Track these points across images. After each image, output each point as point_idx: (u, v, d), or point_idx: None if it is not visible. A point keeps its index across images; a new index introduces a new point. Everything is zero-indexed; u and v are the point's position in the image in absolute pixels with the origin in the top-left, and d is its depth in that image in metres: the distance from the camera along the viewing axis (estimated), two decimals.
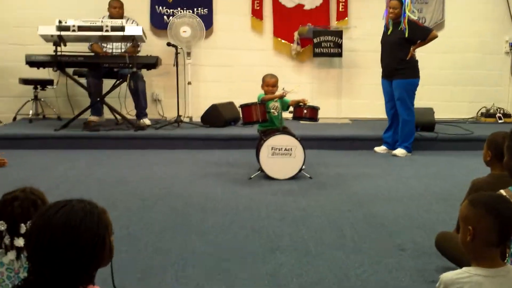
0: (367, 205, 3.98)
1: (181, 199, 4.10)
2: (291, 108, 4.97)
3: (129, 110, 6.97)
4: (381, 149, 6.12)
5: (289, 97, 4.92)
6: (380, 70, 6.09)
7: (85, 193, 4.16)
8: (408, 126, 5.89)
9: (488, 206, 1.80)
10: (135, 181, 4.63)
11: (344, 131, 6.75)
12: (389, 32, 5.90)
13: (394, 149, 5.98)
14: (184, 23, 7.15)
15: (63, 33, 6.00)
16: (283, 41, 7.81)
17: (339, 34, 7.49)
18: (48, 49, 6.30)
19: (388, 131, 6.10)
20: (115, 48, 6.87)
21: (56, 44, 6.05)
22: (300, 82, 7.59)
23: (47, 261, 1.40)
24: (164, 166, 5.28)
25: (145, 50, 6.89)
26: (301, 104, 4.87)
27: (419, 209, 3.92)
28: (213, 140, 6.25)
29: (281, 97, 4.82)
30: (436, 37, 5.82)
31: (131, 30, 6.19)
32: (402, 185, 4.63)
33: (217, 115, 6.79)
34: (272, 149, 4.67)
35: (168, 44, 6.91)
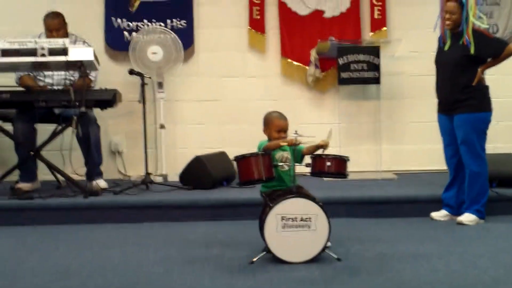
0: None
1: None
2: (307, 159, 4.98)
3: (76, 168, 7.02)
4: (441, 215, 6.13)
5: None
6: (435, 101, 6.15)
7: None
8: (479, 181, 5.90)
9: None
10: (83, 273, 4.59)
11: (386, 190, 6.80)
12: (446, 48, 5.99)
13: (460, 214, 5.98)
14: (153, 42, 7.29)
15: None
16: (295, 63, 7.95)
17: (375, 51, 7.60)
18: None
19: (450, 189, 6.12)
20: (57, 82, 6.96)
21: None
22: (321, 121, 7.67)
23: None
24: (127, 248, 5.26)
25: (98, 81, 7.00)
26: (321, 154, 4.85)
27: None
28: (197, 209, 6.29)
29: (292, 144, 4.83)
30: None
31: (77, 53, 6.27)
32: (472, 268, 4.58)
33: (202, 172, 6.86)
34: (282, 219, 4.66)
35: (131, 72, 7.03)
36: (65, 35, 6.88)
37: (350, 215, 6.15)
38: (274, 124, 4.95)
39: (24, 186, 6.73)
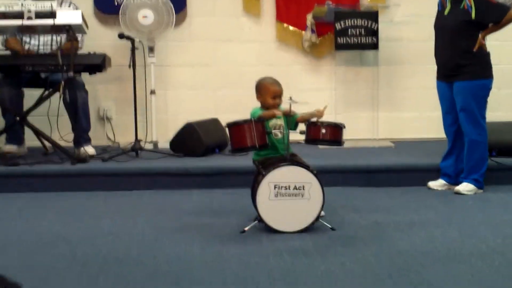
0: (418, 269, 3.96)
1: (141, 266, 4.08)
2: (301, 127, 4.99)
3: (63, 134, 7.01)
4: (438, 184, 6.16)
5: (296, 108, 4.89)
6: (435, 67, 6.15)
7: None
8: (478, 149, 5.93)
9: None
10: (72, 240, 4.62)
11: (383, 158, 6.83)
12: (446, 12, 5.97)
13: (458, 183, 6.01)
14: (144, 5, 7.25)
15: None
16: (290, 27, 7.92)
17: (373, 16, 7.58)
18: None
19: (449, 158, 6.15)
20: (44, 43, 6.94)
21: None
22: (317, 87, 7.67)
23: None
24: (116, 216, 5.29)
25: (87, 45, 6.96)
26: (316, 120, 4.86)
27: (495, 273, 3.90)
28: (188, 176, 6.31)
29: (286, 115, 4.84)
30: None
31: (65, 16, 6.25)
32: (469, 237, 4.62)
33: (194, 139, 6.86)
34: (275, 187, 4.67)
35: (121, 36, 7.00)
36: None
37: (345, 183, 6.19)
38: (270, 90, 4.93)
39: (11, 148, 6.75)
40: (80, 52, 6.77)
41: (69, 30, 6.34)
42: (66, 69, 6.28)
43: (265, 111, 4.89)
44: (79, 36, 6.76)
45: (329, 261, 4.12)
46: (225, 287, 3.73)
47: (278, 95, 4.92)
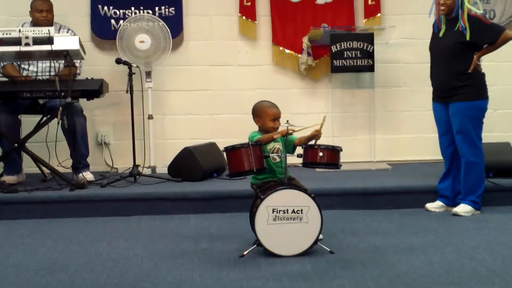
0: None
1: None
2: (299, 150, 5.00)
3: (62, 160, 7.01)
4: (435, 206, 6.16)
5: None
6: (431, 89, 6.18)
7: None
8: (475, 171, 5.94)
9: None
10: (71, 267, 4.61)
11: (380, 181, 6.82)
12: (441, 34, 6.01)
13: (455, 205, 6.02)
14: (141, 30, 7.27)
15: None
16: (286, 51, 7.93)
17: (368, 38, 7.60)
18: None
19: (446, 180, 6.15)
20: (42, 70, 6.96)
21: None
22: (313, 111, 7.68)
23: None
24: (115, 242, 5.28)
25: (84, 71, 7.01)
26: (314, 144, 4.87)
27: None
28: (186, 201, 6.30)
29: (284, 135, 4.84)
30: (510, 38, 5.90)
31: (62, 42, 6.27)
32: (468, 260, 4.62)
33: (192, 164, 6.88)
34: (273, 211, 4.68)
35: (118, 61, 7.03)
36: (52, 20, 6.92)
37: (343, 206, 6.20)
38: (269, 113, 4.97)
39: (9, 179, 6.73)
40: (77, 77, 6.80)
41: (67, 56, 6.36)
42: (64, 95, 6.28)
43: (264, 135, 4.91)
44: (76, 62, 6.80)
45: (328, 285, 4.12)
46: None
47: (277, 117, 4.97)
